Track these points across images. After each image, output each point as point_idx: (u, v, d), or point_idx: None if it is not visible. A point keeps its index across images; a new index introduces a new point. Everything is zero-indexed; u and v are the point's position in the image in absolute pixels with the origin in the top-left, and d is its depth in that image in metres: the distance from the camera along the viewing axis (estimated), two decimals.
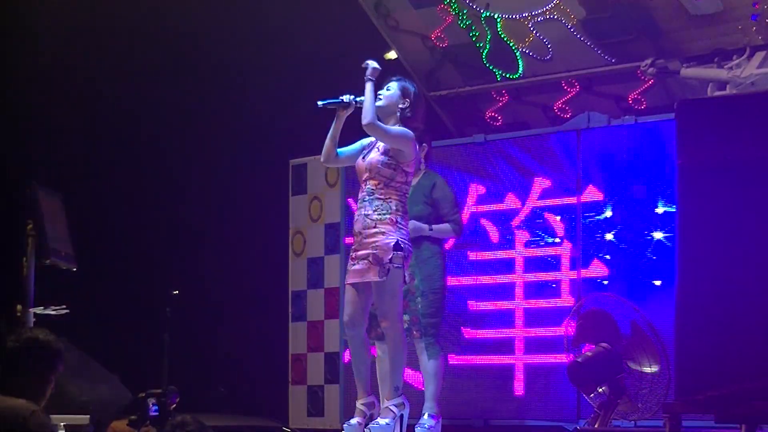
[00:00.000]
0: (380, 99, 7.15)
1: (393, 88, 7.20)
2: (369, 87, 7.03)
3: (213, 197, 12.02)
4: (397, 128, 7.07)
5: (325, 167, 10.60)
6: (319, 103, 7.08)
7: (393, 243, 6.90)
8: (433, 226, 7.96)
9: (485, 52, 11.03)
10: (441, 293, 7.99)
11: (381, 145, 7.11)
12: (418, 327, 7.83)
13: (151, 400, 7.71)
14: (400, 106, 7.16)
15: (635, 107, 10.40)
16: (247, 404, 11.41)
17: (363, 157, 7.15)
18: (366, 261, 6.94)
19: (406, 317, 7.69)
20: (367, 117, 6.95)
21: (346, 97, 7.09)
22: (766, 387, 5.53)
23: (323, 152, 7.18)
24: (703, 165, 5.79)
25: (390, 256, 6.89)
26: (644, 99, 10.50)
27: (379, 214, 6.96)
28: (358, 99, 7.11)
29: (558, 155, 9.41)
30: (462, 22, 10.97)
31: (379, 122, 7.00)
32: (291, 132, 11.42)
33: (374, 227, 6.95)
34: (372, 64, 7.15)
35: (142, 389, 7.84)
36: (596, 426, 7.47)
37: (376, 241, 6.92)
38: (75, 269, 7.88)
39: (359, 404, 7.16)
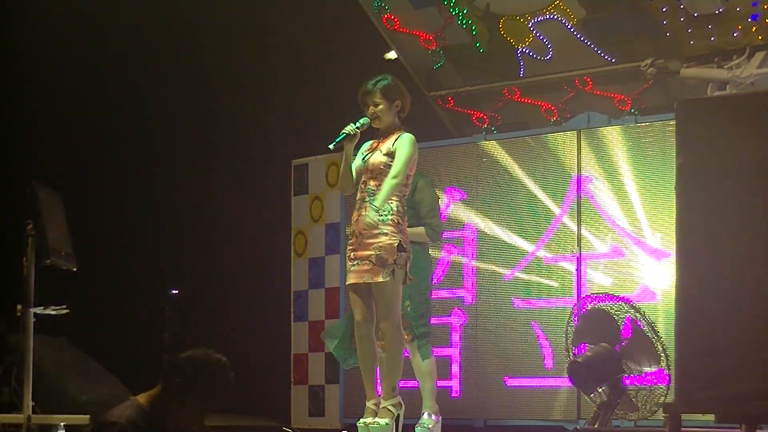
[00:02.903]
0: (377, 120, 7.13)
1: (379, 101, 7.16)
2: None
3: (214, 197, 12.01)
4: (405, 149, 7.06)
5: (327, 167, 10.63)
6: (330, 146, 7.06)
7: (396, 244, 6.93)
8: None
9: (485, 52, 11.04)
10: (427, 293, 7.98)
11: (384, 147, 7.10)
12: (408, 329, 7.81)
13: None
14: (396, 110, 7.17)
15: (635, 107, 10.41)
16: (248, 404, 11.41)
17: (363, 158, 7.15)
18: (368, 262, 6.95)
19: None
20: (381, 201, 6.97)
21: (350, 129, 7.06)
22: (766, 387, 5.52)
23: (341, 186, 7.23)
24: (703, 165, 5.78)
25: (395, 257, 6.93)
26: (644, 99, 10.50)
27: (381, 215, 6.96)
28: (359, 123, 7.08)
29: (558, 155, 9.41)
30: (462, 22, 10.98)
31: (392, 180, 6.98)
32: (292, 132, 11.43)
33: (377, 228, 6.95)
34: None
35: (142, 389, 7.84)
36: (596, 426, 7.47)
37: (380, 242, 6.93)
38: (75, 269, 7.88)
39: (370, 404, 7.14)
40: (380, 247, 6.93)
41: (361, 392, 7.36)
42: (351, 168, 7.14)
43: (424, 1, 11.10)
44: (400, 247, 6.95)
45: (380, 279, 6.92)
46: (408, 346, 7.87)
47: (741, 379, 5.56)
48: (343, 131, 7.05)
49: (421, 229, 7.87)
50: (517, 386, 9.44)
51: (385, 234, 6.94)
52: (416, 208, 7.86)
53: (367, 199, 7.04)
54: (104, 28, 11.19)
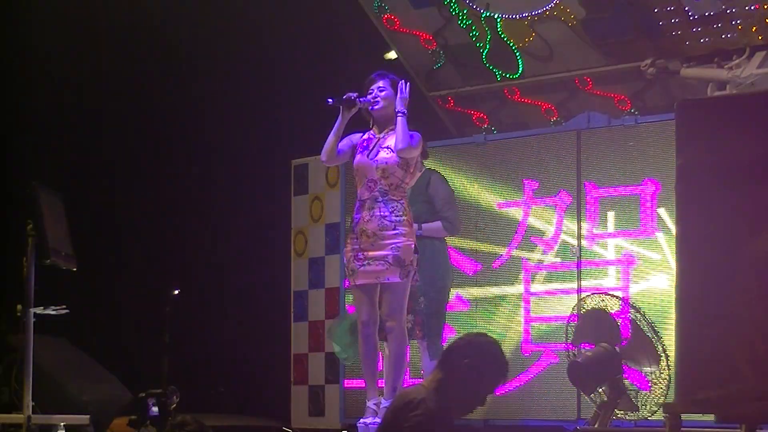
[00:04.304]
0: (378, 102, 7.13)
1: (385, 86, 7.17)
2: (401, 121, 7.02)
3: (214, 197, 12.02)
4: (416, 137, 7.09)
5: (327, 167, 10.61)
6: (329, 101, 7.07)
7: (413, 246, 6.97)
8: (423, 225, 7.83)
9: (485, 52, 11.04)
10: (444, 293, 7.94)
11: (390, 144, 7.09)
12: (421, 327, 7.80)
13: (151, 400, 7.72)
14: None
15: (635, 107, 10.41)
16: (247, 404, 11.42)
17: (368, 156, 7.10)
18: (383, 261, 6.94)
19: (409, 317, 7.69)
20: (401, 144, 6.96)
21: (352, 95, 7.08)
22: (766, 387, 5.52)
23: (326, 150, 7.14)
24: (702, 165, 5.78)
25: (411, 259, 6.95)
26: (644, 99, 10.50)
27: (397, 216, 6.98)
28: (362, 99, 7.10)
29: (558, 155, 9.41)
30: (462, 22, 10.98)
31: (414, 142, 7.01)
32: (292, 132, 11.42)
33: (394, 229, 6.96)
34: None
35: (142, 389, 7.84)
36: (596, 426, 7.47)
37: (398, 243, 6.94)
38: (75, 269, 7.88)
39: (370, 404, 7.15)
40: (398, 247, 6.94)
41: (361, 392, 7.37)
42: (340, 138, 7.12)
43: (424, 1, 11.10)
44: (416, 249, 7.01)
45: (397, 279, 6.93)
46: (419, 344, 7.87)
47: (741, 379, 5.56)
48: (348, 95, 7.06)
49: (438, 224, 7.86)
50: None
51: (404, 235, 6.96)
52: (431, 202, 7.88)
53: (380, 198, 7.02)
54: (105, 27, 11.19)
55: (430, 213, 7.84)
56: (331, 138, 7.11)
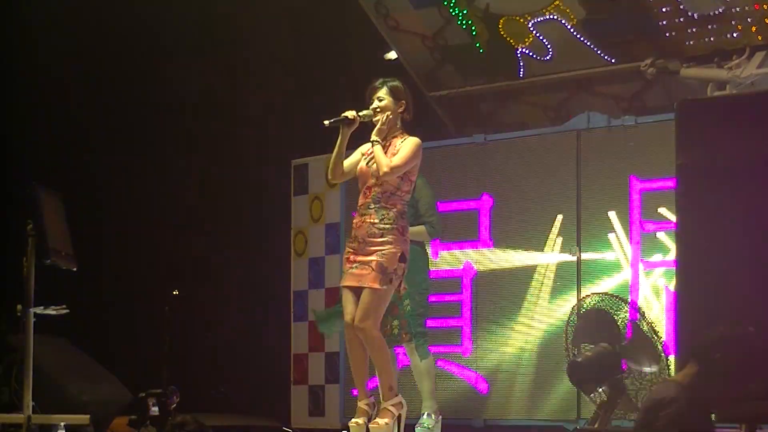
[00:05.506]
0: (378, 113, 7.11)
1: (384, 96, 7.14)
2: (377, 148, 7.01)
3: (214, 197, 12.01)
4: (409, 148, 7.03)
5: (327, 167, 10.61)
6: (326, 122, 7.03)
7: (399, 254, 6.94)
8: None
9: (485, 52, 11.04)
10: (426, 294, 8.00)
11: (388, 152, 7.07)
12: (408, 330, 7.82)
13: (151, 400, 7.73)
14: (399, 111, 7.13)
15: (635, 107, 10.41)
16: (247, 404, 11.42)
17: (368, 163, 7.11)
18: (367, 266, 6.93)
19: (395, 322, 7.68)
20: (383, 168, 6.96)
21: (350, 114, 7.04)
22: (766, 387, 5.53)
23: (331, 170, 7.15)
24: (702, 165, 5.80)
25: (395, 267, 6.93)
26: (644, 99, 10.50)
27: (385, 224, 6.96)
28: (362, 113, 7.06)
29: (558, 155, 9.41)
30: (462, 22, 10.98)
31: (395, 163, 6.98)
32: (293, 132, 11.42)
33: (381, 236, 6.94)
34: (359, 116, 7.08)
35: (142, 389, 7.85)
36: (596, 426, 7.48)
37: (383, 250, 6.93)
38: (75, 269, 7.88)
39: (361, 404, 7.16)
40: (383, 254, 6.92)
41: None
42: (342, 156, 7.09)
43: (424, 1, 11.09)
44: (402, 258, 6.97)
45: (377, 285, 6.92)
46: (406, 346, 7.88)
47: (741, 379, 5.56)
48: (344, 114, 7.04)
49: (421, 228, 7.89)
50: None
51: (390, 243, 6.95)
52: (415, 206, 7.88)
53: (372, 205, 7.01)
54: (105, 27, 11.19)
55: (414, 217, 7.85)
56: (333, 158, 7.10)
